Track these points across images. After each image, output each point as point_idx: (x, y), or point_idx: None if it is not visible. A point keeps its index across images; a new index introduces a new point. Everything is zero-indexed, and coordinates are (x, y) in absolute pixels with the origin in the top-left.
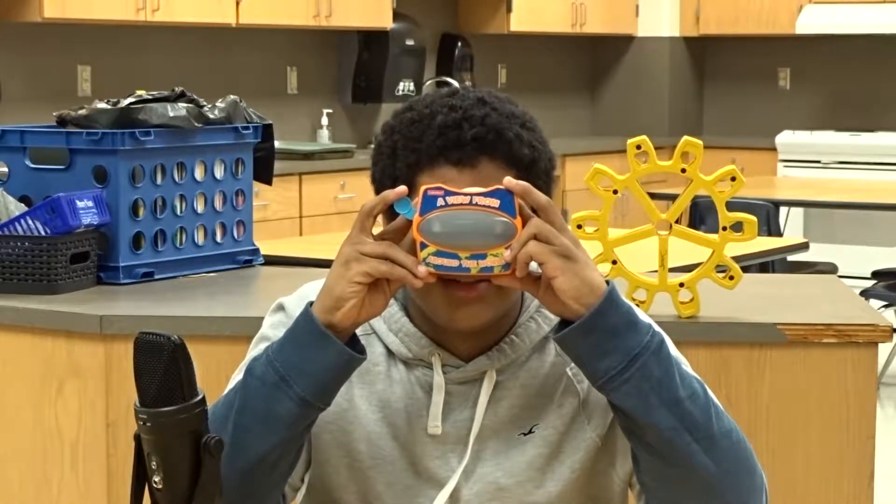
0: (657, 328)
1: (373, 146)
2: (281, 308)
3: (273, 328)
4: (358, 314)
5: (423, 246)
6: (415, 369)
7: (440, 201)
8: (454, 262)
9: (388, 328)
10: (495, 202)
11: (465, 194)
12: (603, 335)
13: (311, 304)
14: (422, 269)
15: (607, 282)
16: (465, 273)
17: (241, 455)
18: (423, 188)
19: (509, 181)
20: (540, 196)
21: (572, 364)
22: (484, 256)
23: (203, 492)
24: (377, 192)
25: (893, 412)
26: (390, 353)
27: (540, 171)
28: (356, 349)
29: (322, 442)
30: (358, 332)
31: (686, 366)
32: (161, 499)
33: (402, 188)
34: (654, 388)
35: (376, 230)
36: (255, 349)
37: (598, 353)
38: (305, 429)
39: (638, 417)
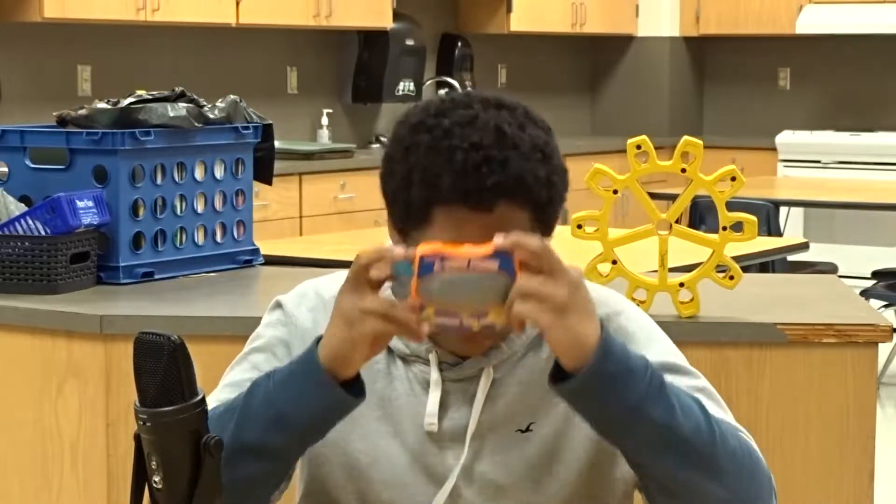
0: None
1: (382, 157)
2: (279, 306)
3: (271, 327)
4: (362, 362)
5: (423, 306)
6: (413, 366)
7: (437, 266)
8: (455, 321)
9: None
10: (494, 264)
11: (463, 257)
12: (600, 390)
13: (318, 340)
14: (424, 328)
15: (602, 325)
16: (468, 330)
17: (230, 474)
18: (418, 252)
19: (497, 241)
20: (532, 242)
21: None
22: (485, 314)
23: (203, 492)
24: (389, 207)
25: (893, 412)
26: (389, 349)
27: (555, 206)
28: (358, 386)
29: (318, 443)
30: None
31: (680, 373)
32: (161, 499)
33: (407, 252)
34: (658, 432)
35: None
36: (252, 345)
37: (596, 407)
38: (299, 456)
39: (643, 461)
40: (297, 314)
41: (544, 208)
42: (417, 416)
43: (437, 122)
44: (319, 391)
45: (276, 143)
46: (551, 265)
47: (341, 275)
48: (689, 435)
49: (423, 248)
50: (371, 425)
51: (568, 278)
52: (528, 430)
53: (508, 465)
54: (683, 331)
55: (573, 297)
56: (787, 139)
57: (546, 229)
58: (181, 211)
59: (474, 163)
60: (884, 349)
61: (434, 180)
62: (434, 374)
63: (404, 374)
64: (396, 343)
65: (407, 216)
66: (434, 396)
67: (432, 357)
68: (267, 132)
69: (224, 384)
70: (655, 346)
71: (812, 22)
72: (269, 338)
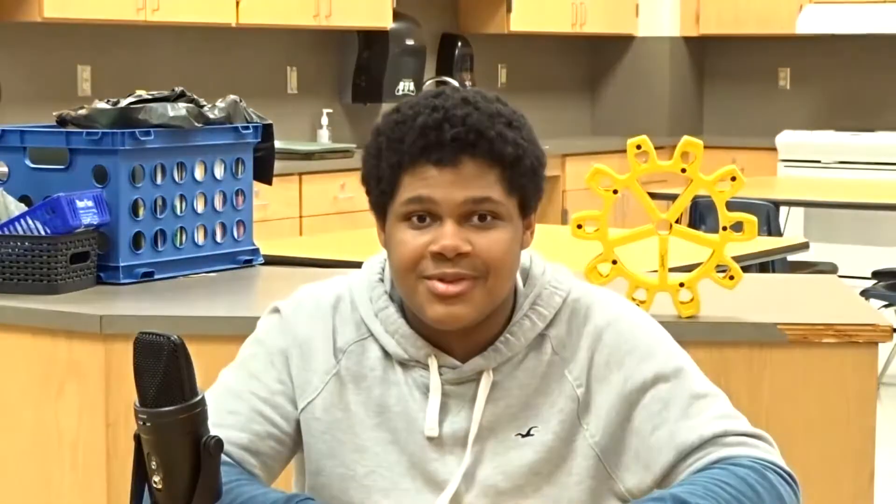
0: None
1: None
2: (276, 311)
3: (269, 334)
4: None
5: None
6: (412, 371)
7: None
8: None
9: (384, 329)
10: None
11: None
12: None
13: None
14: None
15: None
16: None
17: None
18: None
19: None
20: None
21: (571, 365)
22: None
23: (203, 492)
24: (367, 191)
25: (893, 412)
26: (387, 355)
27: (525, 169)
28: None
29: (315, 452)
30: (354, 336)
31: (677, 379)
32: (161, 499)
33: None
34: None
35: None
36: (250, 352)
37: None
38: None
39: None
40: (295, 321)
41: (514, 169)
42: (417, 422)
43: (407, 102)
44: None
45: (276, 143)
46: None
47: (339, 280)
48: None
49: None
50: (369, 433)
51: None
52: (528, 434)
53: (509, 470)
54: (683, 331)
55: None
56: (787, 139)
57: (522, 199)
58: (181, 211)
59: (435, 121)
60: (884, 349)
61: (398, 145)
62: (434, 379)
63: (402, 379)
64: (395, 348)
65: (380, 191)
66: (434, 402)
67: (432, 362)
68: (267, 132)
69: (223, 389)
70: (650, 360)
71: (812, 22)
72: (267, 346)
